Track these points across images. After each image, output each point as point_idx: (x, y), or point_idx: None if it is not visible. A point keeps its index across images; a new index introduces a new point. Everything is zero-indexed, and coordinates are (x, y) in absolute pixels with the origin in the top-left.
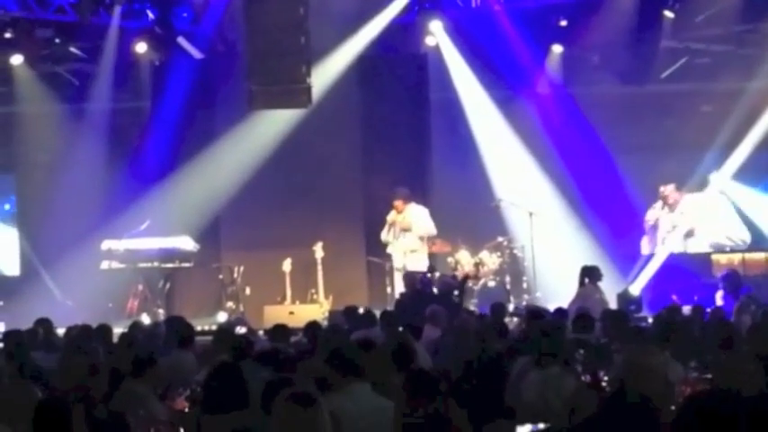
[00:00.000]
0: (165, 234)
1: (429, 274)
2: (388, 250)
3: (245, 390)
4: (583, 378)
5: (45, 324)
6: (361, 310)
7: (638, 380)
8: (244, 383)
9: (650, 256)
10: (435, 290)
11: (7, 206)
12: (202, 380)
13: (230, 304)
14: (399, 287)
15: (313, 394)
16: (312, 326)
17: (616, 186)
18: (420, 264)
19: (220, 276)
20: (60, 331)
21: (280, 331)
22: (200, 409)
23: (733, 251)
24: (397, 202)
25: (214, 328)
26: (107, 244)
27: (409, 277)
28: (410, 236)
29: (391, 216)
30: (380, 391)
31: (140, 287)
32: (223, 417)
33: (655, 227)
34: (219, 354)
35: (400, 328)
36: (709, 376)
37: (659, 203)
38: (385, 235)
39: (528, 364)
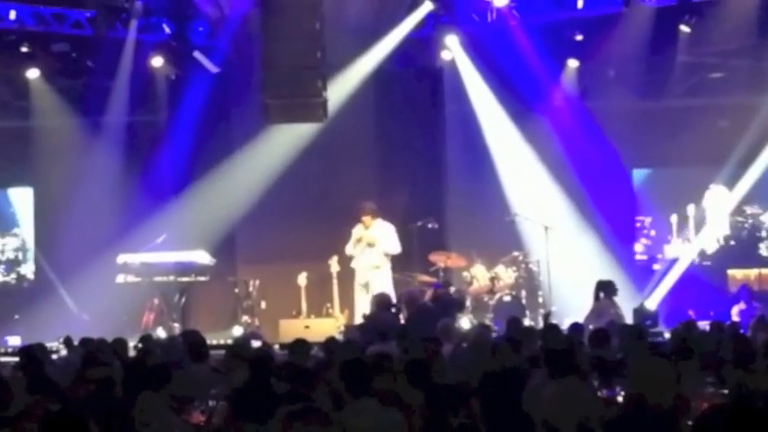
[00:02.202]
0: (180, 248)
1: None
2: (353, 265)
3: (273, 403)
4: (599, 393)
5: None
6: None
7: (648, 393)
8: (273, 396)
9: (666, 271)
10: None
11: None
12: (218, 393)
13: (246, 318)
14: (361, 304)
15: (313, 410)
16: (330, 341)
17: (632, 201)
18: (384, 280)
19: (236, 290)
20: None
21: (299, 346)
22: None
23: None
24: (365, 217)
25: (230, 341)
26: (123, 258)
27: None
28: (375, 252)
29: (358, 230)
30: (397, 405)
31: (156, 301)
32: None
33: None
34: (236, 368)
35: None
36: (726, 391)
37: None
38: (351, 249)
39: (544, 376)
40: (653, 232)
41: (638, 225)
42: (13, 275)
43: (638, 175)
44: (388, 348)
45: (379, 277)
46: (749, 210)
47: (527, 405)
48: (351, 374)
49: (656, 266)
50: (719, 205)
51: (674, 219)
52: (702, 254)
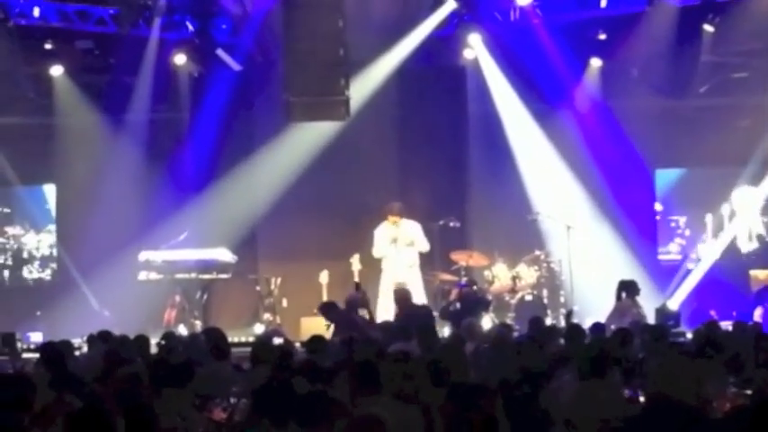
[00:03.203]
0: (202, 245)
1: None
2: (383, 265)
3: (293, 404)
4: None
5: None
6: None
7: (670, 392)
8: (294, 397)
9: (688, 271)
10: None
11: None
12: (239, 391)
13: (267, 316)
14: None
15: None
16: (350, 338)
17: (654, 200)
18: (418, 278)
19: (257, 288)
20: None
21: (316, 343)
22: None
23: None
24: (395, 217)
25: (251, 339)
26: (145, 255)
27: (399, 294)
28: (412, 251)
29: (389, 230)
30: (415, 403)
31: (178, 298)
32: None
33: None
34: (259, 366)
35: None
36: (749, 392)
37: None
38: (383, 249)
39: (568, 375)
40: (688, 232)
41: (673, 225)
42: (48, 272)
43: (670, 175)
44: (410, 347)
45: (414, 275)
46: None
47: (549, 404)
48: (362, 373)
49: (689, 266)
50: (747, 205)
51: (708, 218)
52: (733, 253)
